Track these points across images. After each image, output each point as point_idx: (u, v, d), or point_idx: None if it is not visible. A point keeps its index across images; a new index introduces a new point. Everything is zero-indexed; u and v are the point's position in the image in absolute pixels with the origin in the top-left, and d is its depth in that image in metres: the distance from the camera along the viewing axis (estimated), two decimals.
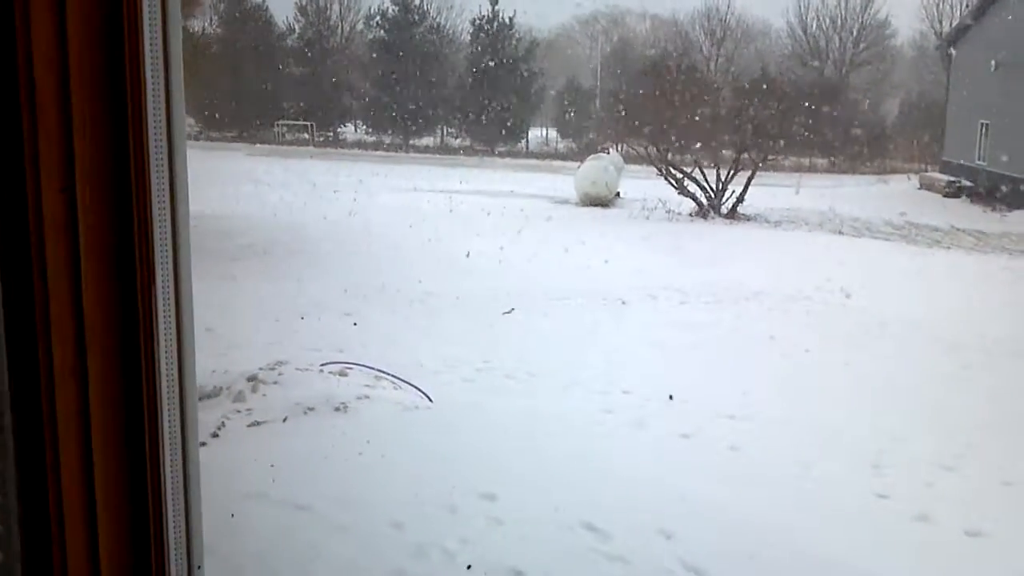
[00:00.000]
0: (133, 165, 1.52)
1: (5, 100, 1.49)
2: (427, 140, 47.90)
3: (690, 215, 23.53)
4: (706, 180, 23.84)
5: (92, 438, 1.55)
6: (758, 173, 24.18)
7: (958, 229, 23.00)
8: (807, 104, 26.71)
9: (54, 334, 1.51)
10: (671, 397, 8.78)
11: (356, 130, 50.03)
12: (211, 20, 44.95)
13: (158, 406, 1.58)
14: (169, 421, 1.60)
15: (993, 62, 29.20)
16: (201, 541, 1.65)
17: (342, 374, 7.73)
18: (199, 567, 1.65)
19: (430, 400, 7.54)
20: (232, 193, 24.02)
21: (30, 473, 1.56)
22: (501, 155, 44.30)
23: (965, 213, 25.99)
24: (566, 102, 46.61)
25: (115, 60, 1.51)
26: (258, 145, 43.39)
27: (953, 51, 34.50)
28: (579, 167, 27.81)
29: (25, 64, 1.46)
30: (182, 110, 1.56)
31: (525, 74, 46.32)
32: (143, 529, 1.61)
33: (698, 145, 24.49)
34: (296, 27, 49.36)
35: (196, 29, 28.23)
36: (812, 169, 38.00)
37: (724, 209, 23.63)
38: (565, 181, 28.24)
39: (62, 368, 1.52)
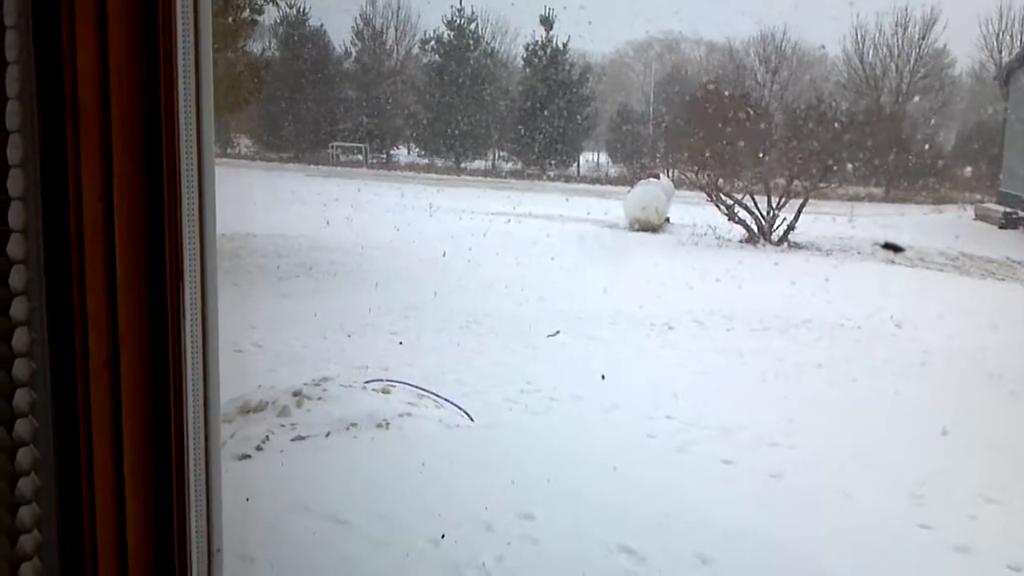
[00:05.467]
0: (166, 178, 1.64)
1: (52, 119, 1.60)
2: (479, 163, 48.11)
3: (740, 242, 23.41)
4: (757, 207, 23.72)
5: (123, 427, 1.66)
6: (811, 201, 23.96)
7: (1013, 261, 22.62)
8: (862, 132, 26.46)
9: (91, 331, 1.62)
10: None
11: (409, 152, 50.44)
12: (270, 43, 45.64)
13: (184, 398, 1.69)
14: (194, 412, 1.71)
15: None
16: (221, 526, 1.75)
17: (385, 391, 7.82)
18: (218, 550, 1.75)
19: (471, 419, 7.60)
20: (289, 213, 24.37)
21: (66, 459, 1.67)
22: (552, 179, 44.37)
23: (1020, 245, 25.54)
24: (618, 127, 46.64)
25: (151, 83, 1.63)
26: (313, 166, 43.90)
27: (1012, 81, 34.03)
28: (629, 192, 27.80)
29: (70, 87, 1.58)
30: (211, 130, 1.68)
31: (577, 99, 46.43)
32: (167, 513, 1.71)
33: (749, 172, 24.38)
34: (352, 51, 49.96)
35: (255, 51, 28.71)
36: (867, 198, 37.59)
37: (775, 236, 23.47)
38: (615, 206, 28.25)
39: (97, 362, 1.63)
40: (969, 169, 39.88)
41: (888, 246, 22.36)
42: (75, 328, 1.63)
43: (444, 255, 18.13)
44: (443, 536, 4.71)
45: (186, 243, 1.65)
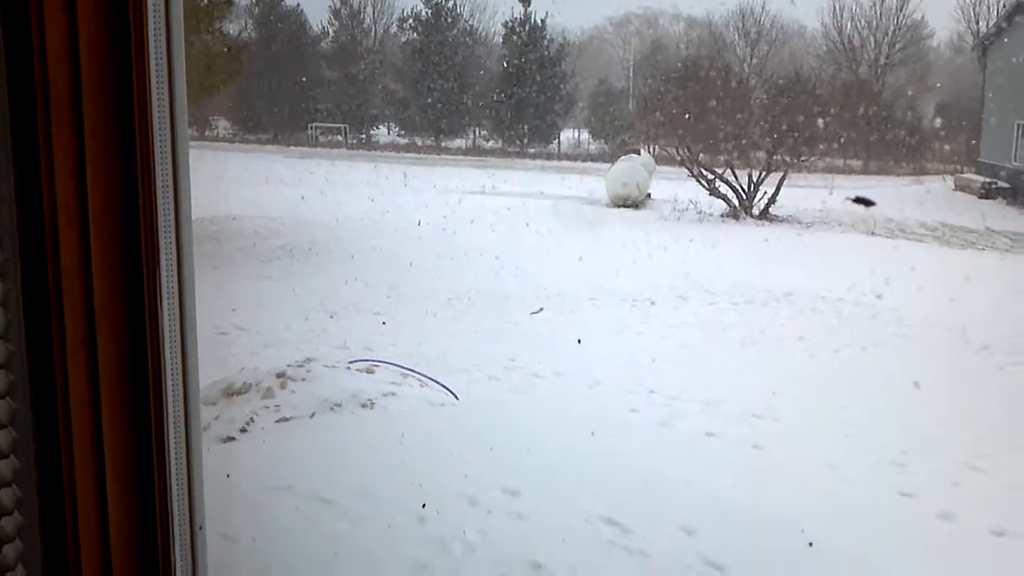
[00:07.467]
0: (139, 156, 1.63)
1: (22, 95, 1.59)
2: (459, 142, 47.90)
3: (721, 216, 23.43)
4: (738, 181, 23.74)
5: (102, 405, 1.65)
6: (791, 174, 24.00)
7: (992, 231, 22.74)
8: (841, 105, 26.50)
9: (67, 309, 1.62)
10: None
11: (389, 132, 50.17)
12: (246, 24, 45.25)
13: (162, 375, 1.68)
14: (173, 389, 1.70)
15: None
16: (203, 504, 1.75)
17: (369, 371, 7.80)
18: (200, 528, 1.74)
19: (456, 397, 7.60)
20: (268, 194, 24.25)
21: (45, 439, 1.66)
22: (533, 156, 44.21)
23: (1000, 214, 25.63)
24: (598, 103, 46.52)
25: (123, 63, 1.62)
26: (292, 147, 43.65)
27: (990, 52, 34.10)
28: (610, 168, 27.77)
29: (40, 63, 1.56)
30: (184, 107, 1.67)
31: (557, 76, 46.27)
32: (149, 490, 1.71)
33: (730, 146, 24.40)
34: (330, 30, 49.62)
35: (231, 32, 28.40)
36: (846, 170, 37.67)
37: (756, 210, 23.51)
38: (596, 182, 28.22)
39: (74, 341, 1.62)
40: (948, 140, 39.98)
41: (859, 200, 22.50)
42: (51, 308, 1.62)
43: (426, 236, 18.11)
44: (424, 506, 4.72)
45: (161, 221, 1.65)
